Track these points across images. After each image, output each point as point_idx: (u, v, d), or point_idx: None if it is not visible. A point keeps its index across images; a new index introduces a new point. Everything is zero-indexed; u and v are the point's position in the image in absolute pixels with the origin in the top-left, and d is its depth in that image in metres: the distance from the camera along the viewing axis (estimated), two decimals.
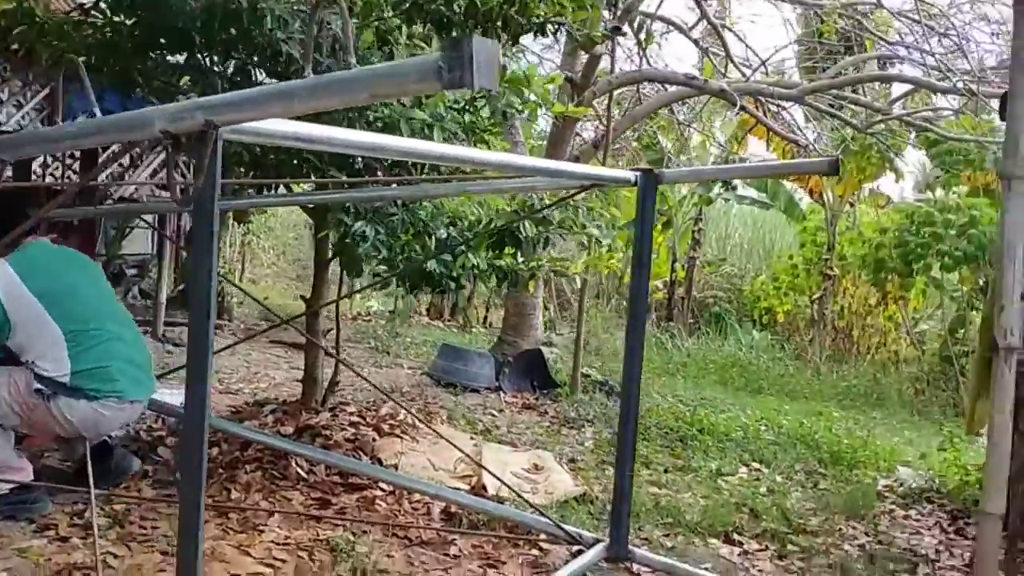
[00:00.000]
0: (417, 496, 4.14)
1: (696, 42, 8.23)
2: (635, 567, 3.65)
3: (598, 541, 3.64)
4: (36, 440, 3.86)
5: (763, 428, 6.64)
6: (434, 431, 3.99)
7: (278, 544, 3.60)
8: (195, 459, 1.82)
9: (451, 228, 4.33)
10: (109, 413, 3.73)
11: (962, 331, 10.41)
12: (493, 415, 6.76)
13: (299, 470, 4.20)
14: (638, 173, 3.45)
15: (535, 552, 3.76)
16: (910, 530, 4.68)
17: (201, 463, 1.81)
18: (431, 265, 4.21)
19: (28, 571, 3.19)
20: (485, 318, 15.04)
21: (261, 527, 3.72)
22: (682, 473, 5.34)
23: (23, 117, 6.89)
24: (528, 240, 4.30)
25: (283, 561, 3.44)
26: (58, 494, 3.85)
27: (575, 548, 3.73)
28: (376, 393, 6.63)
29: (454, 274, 4.26)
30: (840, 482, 5.46)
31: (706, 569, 3.68)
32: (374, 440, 4.56)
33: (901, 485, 5.50)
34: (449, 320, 15.04)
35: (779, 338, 13.98)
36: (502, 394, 7.53)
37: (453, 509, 4.02)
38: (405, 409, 4.57)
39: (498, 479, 3.91)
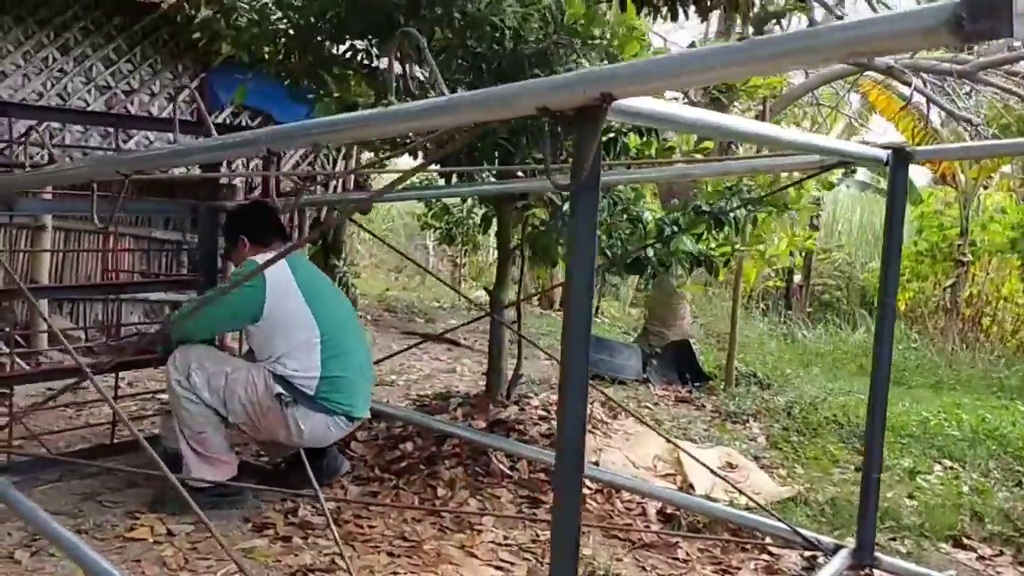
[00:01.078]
0: (627, 495, 3.96)
1: (840, 18, 7.84)
2: (877, 574, 3.40)
3: (840, 547, 3.40)
4: (245, 436, 3.78)
5: (944, 423, 6.29)
6: (653, 429, 3.79)
7: (499, 545, 3.46)
8: (571, 486, 1.66)
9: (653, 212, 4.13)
10: (336, 431, 3.64)
11: None
12: (649, 408, 6.55)
13: (501, 466, 4.06)
14: (888, 151, 3.19)
15: (765, 557, 3.55)
16: None
17: (578, 488, 1.65)
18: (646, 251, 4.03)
19: (260, 573, 3.09)
20: (597, 307, 14.79)
21: (478, 527, 3.59)
22: None
23: (174, 109, 6.87)
24: (736, 222, 4.08)
25: (511, 564, 3.29)
26: (262, 493, 3.76)
27: (807, 553, 3.52)
28: (546, 386, 6.47)
29: (663, 260, 4.07)
30: None
31: None
32: None
33: None
34: (559, 310, 14.84)
35: (904, 327, 13.44)
36: (651, 386, 7.31)
37: (669, 510, 3.83)
38: (618, 405, 4.38)
39: (723, 478, 3.69)
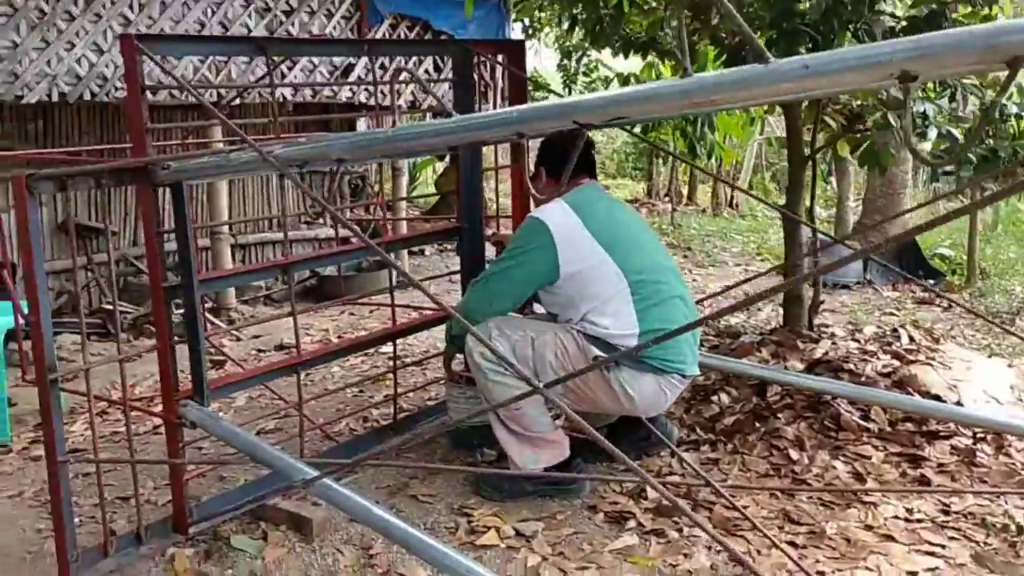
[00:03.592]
0: (1017, 441, 3.33)
1: None
2: None
3: None
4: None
5: None
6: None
7: (907, 520, 2.87)
8: None
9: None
10: (670, 392, 3.05)
11: None
12: (895, 315, 5.88)
13: (854, 418, 3.45)
14: None
15: None
16: None
17: None
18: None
19: None
20: (731, 200, 13.99)
21: (864, 498, 3.00)
22: None
23: (335, 27, 6.24)
24: None
25: (942, 547, 2.71)
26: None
27: None
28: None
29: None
30: None
31: None
32: (906, 371, 3.76)
33: None
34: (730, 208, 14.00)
35: None
36: (877, 289, 6.62)
37: None
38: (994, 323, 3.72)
39: None
